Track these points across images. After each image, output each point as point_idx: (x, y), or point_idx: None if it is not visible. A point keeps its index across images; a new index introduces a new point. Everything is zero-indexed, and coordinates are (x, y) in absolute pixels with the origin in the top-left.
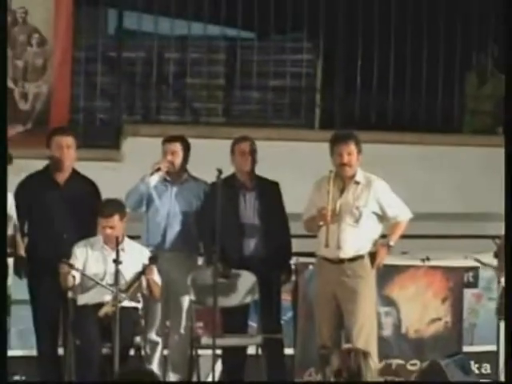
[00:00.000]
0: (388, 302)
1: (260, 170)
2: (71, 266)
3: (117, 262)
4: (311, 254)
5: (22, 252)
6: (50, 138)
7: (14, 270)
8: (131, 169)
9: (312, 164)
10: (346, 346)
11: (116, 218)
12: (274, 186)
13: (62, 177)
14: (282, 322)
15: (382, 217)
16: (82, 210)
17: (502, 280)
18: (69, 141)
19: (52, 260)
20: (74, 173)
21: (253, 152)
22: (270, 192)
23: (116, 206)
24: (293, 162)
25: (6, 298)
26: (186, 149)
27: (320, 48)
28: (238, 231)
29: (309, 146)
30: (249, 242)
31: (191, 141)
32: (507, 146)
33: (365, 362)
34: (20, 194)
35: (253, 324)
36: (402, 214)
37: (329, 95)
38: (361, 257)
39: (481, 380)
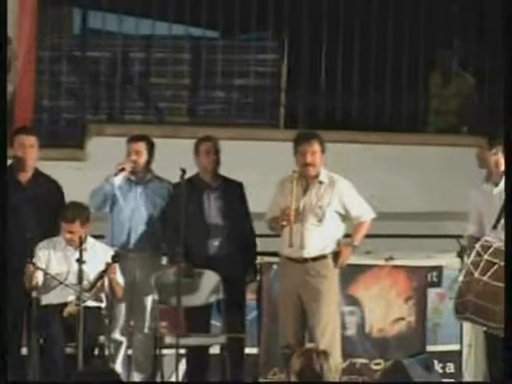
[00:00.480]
0: (352, 301)
1: (224, 170)
2: (35, 266)
3: (80, 261)
4: (275, 254)
5: None
6: (13, 138)
7: None
8: (95, 168)
9: (277, 164)
10: (308, 345)
11: (77, 223)
12: (238, 186)
13: (24, 176)
14: (246, 321)
15: (345, 216)
16: (45, 210)
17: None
18: (31, 140)
19: (16, 260)
20: (37, 172)
21: (216, 152)
22: (233, 192)
23: (78, 211)
24: (257, 162)
25: (6, 297)
26: (151, 148)
27: (284, 47)
28: (202, 231)
29: (273, 145)
30: (213, 242)
31: (156, 140)
32: (507, 149)
33: (326, 361)
34: None
35: (216, 323)
36: (365, 213)
37: (293, 94)
38: (324, 256)
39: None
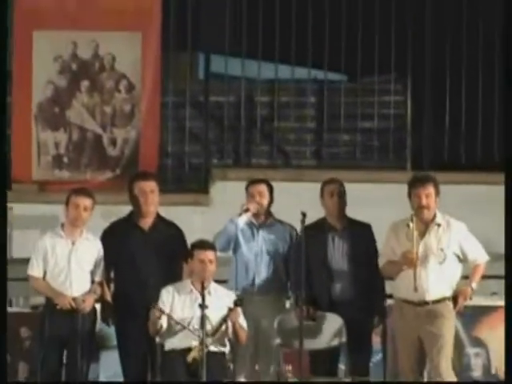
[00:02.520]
0: (477, 343)
1: (351, 213)
2: (161, 311)
3: (203, 306)
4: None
5: (108, 299)
6: (132, 184)
7: (102, 318)
8: (219, 213)
9: (405, 206)
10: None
11: (214, 252)
12: (366, 227)
13: (146, 222)
14: (371, 364)
15: (461, 258)
16: (167, 255)
17: None
18: (152, 186)
19: (138, 306)
20: (158, 218)
21: (341, 194)
22: (360, 234)
23: (211, 243)
24: (385, 204)
25: (6, 300)
26: (271, 191)
27: (408, 88)
28: (327, 274)
29: (401, 187)
30: (338, 285)
31: (281, 184)
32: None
33: None
34: (105, 240)
35: (341, 366)
36: (480, 256)
37: (419, 136)
38: (445, 299)
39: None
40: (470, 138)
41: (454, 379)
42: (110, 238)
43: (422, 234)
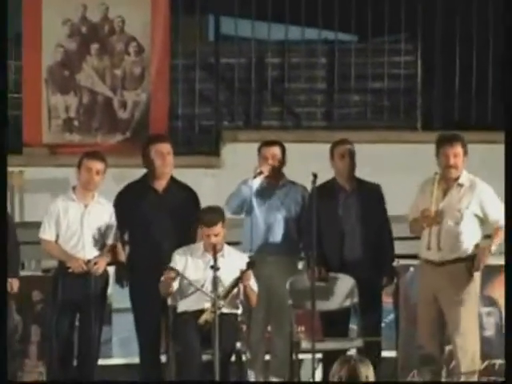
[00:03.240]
0: (490, 302)
1: (361, 173)
2: (175, 271)
3: (214, 268)
4: (414, 257)
5: (123, 260)
6: (148, 146)
7: (116, 279)
8: (230, 175)
9: (414, 166)
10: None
11: (219, 225)
12: (375, 188)
13: (160, 184)
14: (383, 324)
15: (483, 220)
16: (181, 217)
17: None
18: (168, 147)
19: (153, 267)
20: (173, 180)
21: (351, 155)
22: (370, 195)
23: (218, 214)
24: (395, 165)
25: (6, 298)
26: (284, 153)
27: (418, 48)
28: (338, 235)
29: (411, 147)
30: (348, 246)
31: (292, 145)
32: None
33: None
34: (120, 202)
35: (353, 327)
36: (502, 218)
37: (429, 96)
38: (462, 259)
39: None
40: (480, 97)
41: (476, 343)
42: (124, 200)
43: (445, 194)
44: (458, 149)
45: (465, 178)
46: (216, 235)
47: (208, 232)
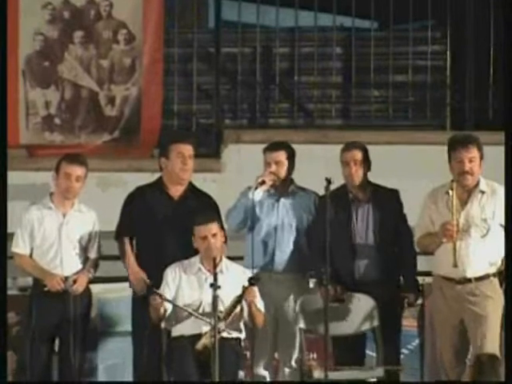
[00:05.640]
0: None
1: (382, 179)
2: (161, 297)
3: (215, 286)
4: (427, 274)
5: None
6: (168, 146)
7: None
8: (233, 180)
9: (442, 170)
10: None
11: (215, 224)
12: (393, 194)
13: (177, 191)
14: (407, 351)
15: None
16: None
17: None
18: (191, 150)
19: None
20: (191, 187)
21: (363, 161)
22: (387, 202)
23: (213, 211)
24: (420, 169)
25: (6, 297)
26: (291, 157)
27: (447, 37)
28: (350, 249)
29: (439, 149)
30: (363, 262)
31: (302, 147)
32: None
33: None
34: (128, 207)
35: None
36: None
37: (460, 91)
38: (489, 275)
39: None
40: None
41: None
42: (134, 203)
43: (464, 203)
44: (474, 152)
45: (484, 184)
46: (214, 235)
47: (204, 233)
